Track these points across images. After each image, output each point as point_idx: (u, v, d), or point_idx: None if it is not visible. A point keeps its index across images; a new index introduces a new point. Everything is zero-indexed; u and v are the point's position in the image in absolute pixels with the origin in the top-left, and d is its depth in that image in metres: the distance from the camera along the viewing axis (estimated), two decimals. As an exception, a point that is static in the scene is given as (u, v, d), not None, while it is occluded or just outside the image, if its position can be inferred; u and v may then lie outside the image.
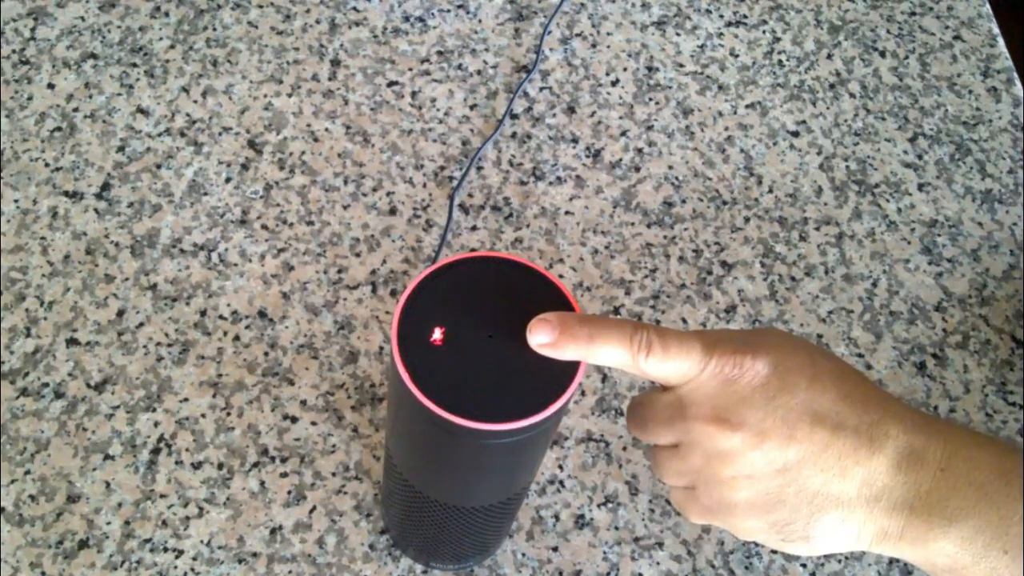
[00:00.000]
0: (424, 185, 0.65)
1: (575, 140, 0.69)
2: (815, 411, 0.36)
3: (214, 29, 0.70)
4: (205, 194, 0.63)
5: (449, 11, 0.74)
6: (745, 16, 0.77)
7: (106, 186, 0.63)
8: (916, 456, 0.36)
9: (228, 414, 0.56)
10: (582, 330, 0.36)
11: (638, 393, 0.60)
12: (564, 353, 0.36)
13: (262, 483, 0.55)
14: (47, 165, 0.63)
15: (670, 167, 0.69)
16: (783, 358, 0.37)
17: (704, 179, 0.69)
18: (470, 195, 0.66)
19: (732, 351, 0.36)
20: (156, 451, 0.55)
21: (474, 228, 0.64)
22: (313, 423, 0.57)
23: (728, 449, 0.36)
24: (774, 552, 0.56)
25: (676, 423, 0.38)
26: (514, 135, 0.69)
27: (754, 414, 0.36)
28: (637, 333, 0.37)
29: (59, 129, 0.65)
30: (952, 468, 0.35)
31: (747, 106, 0.72)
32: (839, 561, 0.57)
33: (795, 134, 0.72)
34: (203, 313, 0.59)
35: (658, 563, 0.55)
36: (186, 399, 0.56)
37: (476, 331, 0.37)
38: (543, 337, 0.36)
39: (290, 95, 0.68)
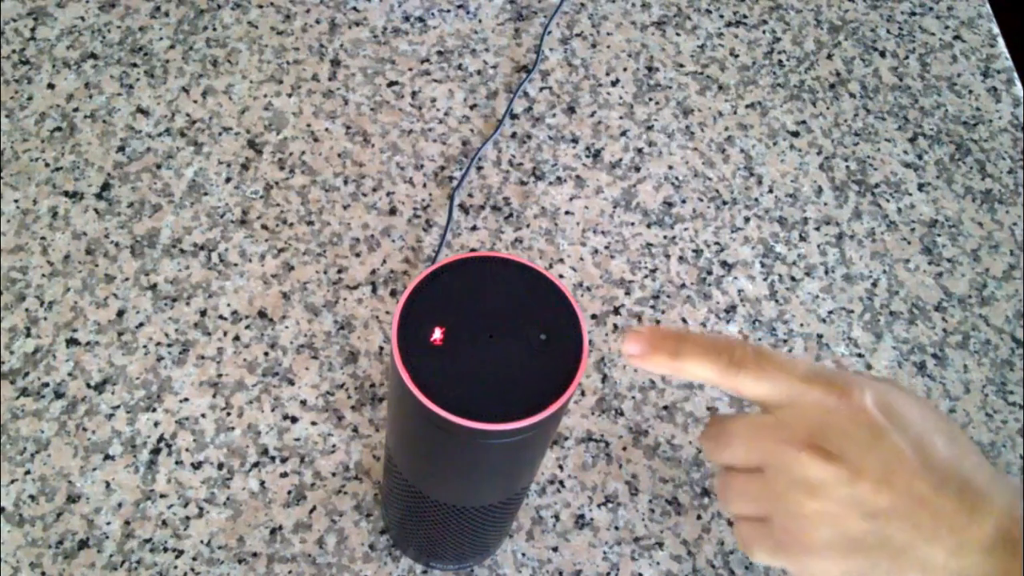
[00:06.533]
0: (424, 185, 0.66)
1: (575, 140, 0.69)
2: (922, 461, 0.34)
3: (214, 29, 0.70)
4: (205, 194, 0.63)
5: (449, 11, 0.74)
6: (745, 16, 0.77)
7: (106, 186, 0.63)
8: (1015, 544, 0.33)
9: (228, 414, 0.56)
10: (670, 344, 0.36)
11: (639, 394, 0.60)
12: (651, 365, 0.36)
13: (262, 483, 0.55)
14: (47, 165, 0.63)
15: (670, 167, 0.69)
16: (894, 401, 0.35)
17: (704, 179, 0.69)
18: (470, 195, 0.66)
19: (842, 381, 0.35)
20: (156, 451, 0.55)
21: (474, 228, 0.64)
22: (313, 423, 0.57)
23: (818, 480, 0.34)
24: (774, 552, 0.56)
25: (765, 444, 0.35)
26: (514, 135, 0.69)
27: (853, 449, 0.34)
28: (731, 350, 0.35)
29: (59, 129, 0.65)
30: None
31: (747, 106, 0.72)
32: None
33: (795, 134, 0.72)
34: (203, 313, 0.59)
35: (658, 563, 0.55)
36: (186, 399, 0.56)
37: (476, 331, 0.37)
38: (633, 348, 0.36)
39: (290, 95, 0.68)
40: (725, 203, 0.68)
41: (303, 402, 0.57)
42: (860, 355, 0.63)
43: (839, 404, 0.34)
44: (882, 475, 0.33)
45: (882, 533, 0.33)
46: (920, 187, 0.71)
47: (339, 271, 0.62)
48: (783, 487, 0.35)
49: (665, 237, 0.66)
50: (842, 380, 0.35)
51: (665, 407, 0.59)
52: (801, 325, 0.64)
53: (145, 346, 0.58)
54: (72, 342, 0.57)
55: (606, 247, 0.65)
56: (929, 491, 0.33)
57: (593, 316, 0.62)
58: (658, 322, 0.63)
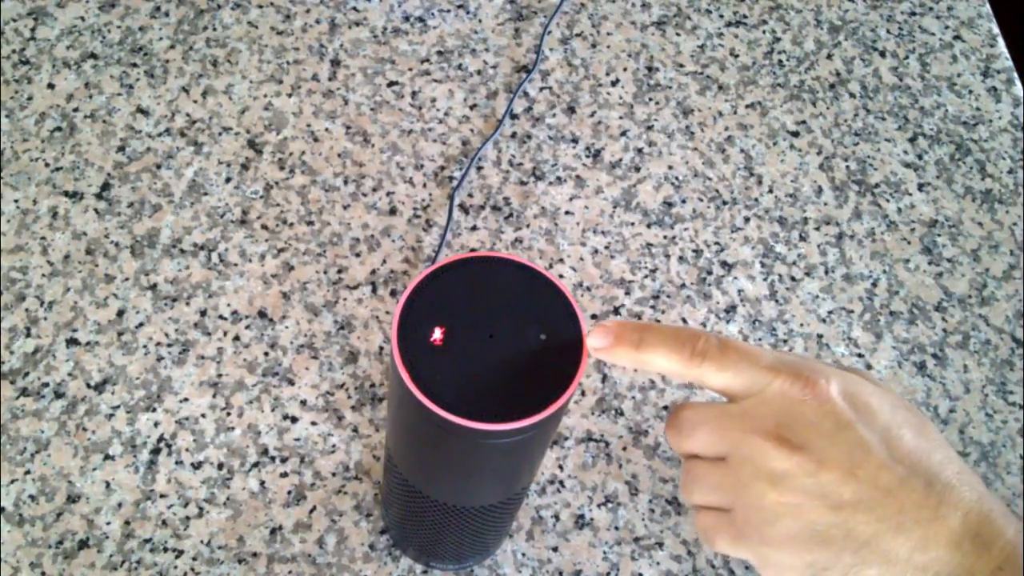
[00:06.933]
0: (424, 185, 0.66)
1: (575, 140, 0.69)
2: (888, 453, 0.33)
3: (214, 29, 0.70)
4: (205, 194, 0.63)
5: (449, 11, 0.74)
6: (745, 16, 0.77)
7: (106, 186, 0.63)
8: (981, 542, 0.32)
9: (228, 414, 0.56)
10: (634, 335, 0.35)
11: (639, 394, 0.60)
12: (615, 357, 0.36)
13: (262, 483, 0.55)
14: (47, 165, 0.63)
15: (670, 167, 0.69)
16: (861, 392, 0.34)
17: (704, 179, 0.69)
18: (470, 195, 0.66)
19: (808, 371, 0.34)
20: (156, 451, 0.55)
21: (474, 228, 0.64)
22: (313, 423, 0.57)
23: (780, 471, 0.33)
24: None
25: (730, 433, 0.35)
26: (514, 135, 0.69)
27: (818, 440, 0.33)
28: (694, 341, 0.35)
29: (59, 129, 0.65)
30: (1008, 571, 0.32)
31: (747, 106, 0.72)
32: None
33: (795, 134, 0.72)
34: (203, 313, 0.59)
35: (658, 563, 0.55)
36: (186, 399, 0.56)
37: (476, 331, 0.37)
38: (597, 341, 0.36)
39: (290, 95, 0.68)
40: (725, 203, 0.68)
41: (303, 402, 0.57)
42: (860, 355, 0.63)
43: (804, 394, 0.34)
44: (847, 466, 0.33)
45: (846, 525, 0.33)
46: (920, 187, 0.71)
47: (339, 271, 0.62)
48: (747, 477, 0.34)
49: (665, 237, 0.66)
50: (808, 369, 0.34)
51: (665, 407, 0.59)
52: (801, 325, 0.64)
53: (145, 346, 0.58)
54: (72, 342, 0.57)
55: (606, 247, 0.65)
56: (895, 483, 0.33)
57: (593, 316, 0.62)
58: (658, 322, 0.63)
